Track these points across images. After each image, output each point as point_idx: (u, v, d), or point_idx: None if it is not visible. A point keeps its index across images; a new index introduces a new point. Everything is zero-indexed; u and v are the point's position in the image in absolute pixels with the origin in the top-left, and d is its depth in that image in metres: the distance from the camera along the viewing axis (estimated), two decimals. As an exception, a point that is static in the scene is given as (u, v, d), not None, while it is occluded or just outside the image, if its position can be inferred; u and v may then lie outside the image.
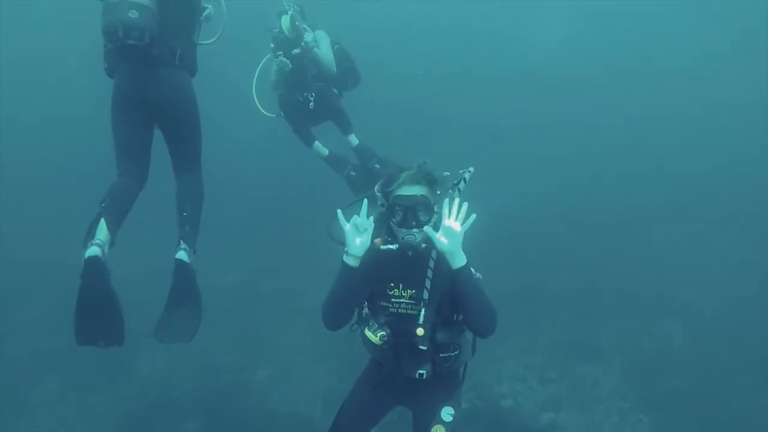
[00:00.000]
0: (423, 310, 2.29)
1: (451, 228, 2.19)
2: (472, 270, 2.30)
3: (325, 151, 5.64)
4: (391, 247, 2.33)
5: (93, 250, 2.78)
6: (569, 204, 8.37)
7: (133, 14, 2.87)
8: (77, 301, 2.77)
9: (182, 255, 3.07)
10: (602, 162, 9.66)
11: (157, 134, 3.38)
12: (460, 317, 2.36)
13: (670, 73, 11.21)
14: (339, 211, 2.28)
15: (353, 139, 5.50)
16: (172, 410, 4.93)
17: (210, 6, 3.52)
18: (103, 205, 2.97)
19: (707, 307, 6.38)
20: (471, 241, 2.41)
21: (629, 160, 9.77)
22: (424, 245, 2.35)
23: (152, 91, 3.13)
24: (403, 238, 2.32)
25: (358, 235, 2.25)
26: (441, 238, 2.19)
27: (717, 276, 6.80)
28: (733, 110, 10.64)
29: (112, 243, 2.94)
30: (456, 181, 2.48)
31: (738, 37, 11.14)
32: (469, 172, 2.48)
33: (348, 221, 2.28)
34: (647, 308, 6.36)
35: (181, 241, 3.12)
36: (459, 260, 2.20)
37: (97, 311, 2.82)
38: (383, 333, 2.33)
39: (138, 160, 3.24)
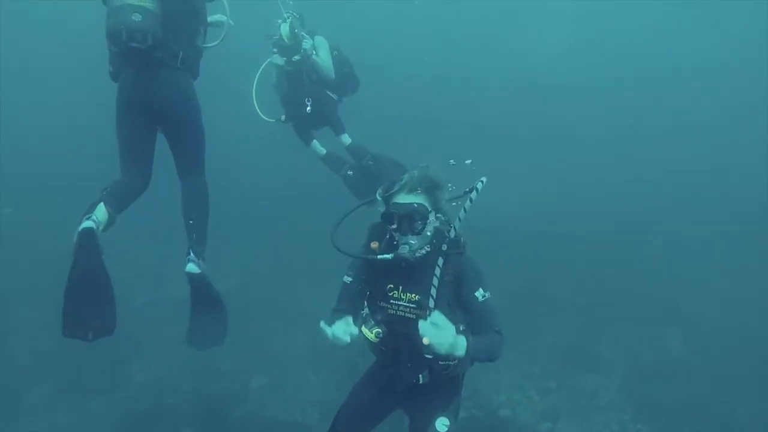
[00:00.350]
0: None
1: (435, 332, 2.05)
2: (481, 291, 2.31)
3: (323, 151, 5.71)
4: (387, 256, 2.34)
5: (88, 224, 2.73)
6: (568, 209, 8.36)
7: (137, 17, 2.88)
8: (68, 280, 2.68)
9: (191, 268, 3.13)
10: (602, 167, 9.65)
11: (161, 139, 3.38)
12: (461, 327, 2.35)
13: (670, 77, 11.20)
14: (322, 323, 2.17)
15: (346, 139, 5.57)
16: (168, 416, 4.89)
17: (225, 17, 3.52)
18: (104, 192, 2.97)
19: (707, 315, 6.36)
20: (473, 244, 2.42)
21: (629, 165, 9.76)
22: (421, 252, 2.34)
23: (154, 94, 3.14)
24: (399, 248, 2.32)
25: (343, 342, 2.17)
26: (436, 344, 2.05)
27: (717, 284, 6.78)
28: (735, 115, 10.64)
29: (108, 225, 2.90)
30: (468, 189, 2.48)
31: (739, 41, 11.13)
32: (482, 182, 2.47)
33: (331, 324, 2.18)
34: (647, 316, 6.35)
35: (190, 252, 3.16)
36: (459, 350, 2.09)
37: (88, 291, 2.73)
38: (379, 330, 2.36)
39: (140, 162, 3.26)
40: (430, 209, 2.33)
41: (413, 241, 2.31)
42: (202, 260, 3.19)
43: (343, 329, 2.15)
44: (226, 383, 5.37)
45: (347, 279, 2.53)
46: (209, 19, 3.50)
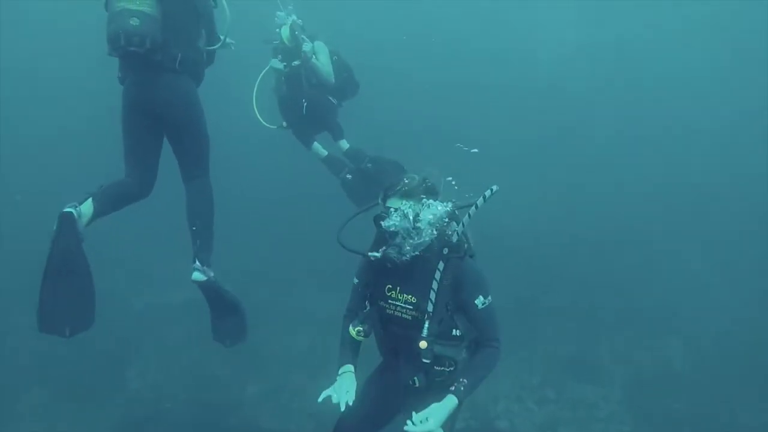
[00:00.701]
0: (427, 323, 2.31)
1: (425, 425, 2.16)
2: (481, 298, 2.35)
3: (324, 152, 5.75)
4: (375, 254, 2.38)
5: (68, 210, 2.77)
6: (567, 216, 8.29)
7: (135, 22, 2.91)
8: (45, 266, 2.68)
9: (197, 276, 3.24)
10: (601, 174, 9.57)
11: (168, 146, 3.41)
12: (459, 332, 2.38)
13: (670, 80, 11.10)
14: (323, 394, 2.39)
15: (344, 144, 5.64)
16: (164, 423, 4.87)
17: (222, 37, 3.53)
18: (99, 189, 3.02)
19: (708, 324, 6.29)
20: (476, 248, 2.43)
21: (629, 172, 9.68)
22: (407, 256, 2.34)
23: (155, 97, 3.18)
24: (388, 249, 2.36)
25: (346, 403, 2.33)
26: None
27: (718, 292, 6.71)
28: (735, 121, 10.55)
29: (90, 221, 2.93)
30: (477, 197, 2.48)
31: (739, 47, 11.06)
32: (491, 190, 2.46)
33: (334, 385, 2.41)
34: (647, 326, 6.29)
35: (195, 260, 3.24)
36: (454, 408, 2.27)
37: (66, 279, 2.72)
38: (360, 328, 2.43)
39: (142, 166, 3.28)
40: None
41: (401, 244, 2.33)
42: (207, 266, 3.26)
43: (345, 396, 2.31)
44: (223, 390, 5.34)
45: (355, 281, 2.61)
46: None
